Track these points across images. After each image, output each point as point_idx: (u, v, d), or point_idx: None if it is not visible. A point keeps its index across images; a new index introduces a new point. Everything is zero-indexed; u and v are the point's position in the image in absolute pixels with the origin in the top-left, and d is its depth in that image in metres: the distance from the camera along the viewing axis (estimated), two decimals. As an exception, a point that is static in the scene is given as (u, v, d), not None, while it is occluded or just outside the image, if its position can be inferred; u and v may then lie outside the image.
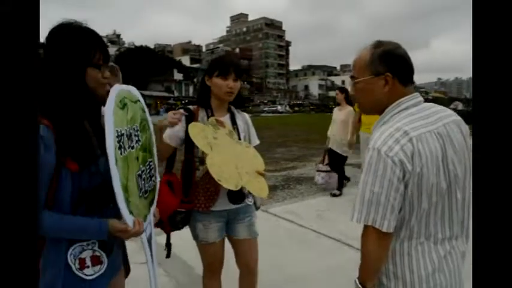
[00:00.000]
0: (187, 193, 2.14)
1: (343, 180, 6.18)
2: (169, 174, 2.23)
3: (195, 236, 2.24)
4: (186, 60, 73.98)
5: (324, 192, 6.25)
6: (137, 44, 69.21)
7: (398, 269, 1.34)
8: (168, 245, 2.28)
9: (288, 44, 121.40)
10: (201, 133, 2.05)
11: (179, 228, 2.19)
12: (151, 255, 1.63)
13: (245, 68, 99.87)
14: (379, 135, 1.29)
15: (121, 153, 1.38)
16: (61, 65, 1.32)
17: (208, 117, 2.16)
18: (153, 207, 1.69)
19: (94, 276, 1.40)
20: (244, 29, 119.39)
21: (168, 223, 2.12)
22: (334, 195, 5.96)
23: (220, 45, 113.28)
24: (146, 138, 1.64)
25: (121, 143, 1.38)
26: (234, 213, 2.24)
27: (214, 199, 2.13)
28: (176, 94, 60.69)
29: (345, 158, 6.08)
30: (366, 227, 1.30)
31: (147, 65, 58.61)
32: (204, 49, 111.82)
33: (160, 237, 3.57)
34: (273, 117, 37.10)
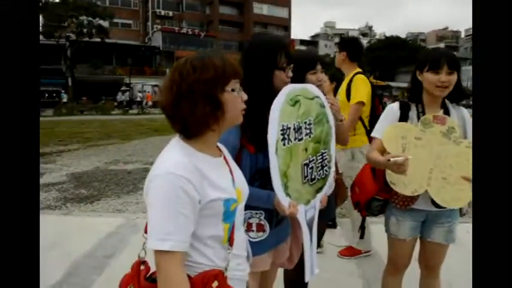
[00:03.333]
0: (388, 183, 2.11)
1: None
2: None
3: (387, 228, 2.27)
4: (440, 49, 68.04)
5: None
6: (388, 34, 68.46)
7: None
8: (362, 228, 2.41)
9: None
10: (398, 134, 2.06)
11: (375, 215, 2.30)
12: (311, 238, 1.82)
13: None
14: None
15: (284, 144, 1.63)
16: (254, 68, 1.74)
17: (418, 113, 2.12)
18: (321, 194, 1.88)
19: (256, 240, 1.74)
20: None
21: (365, 207, 2.26)
22: None
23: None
24: (322, 131, 1.83)
25: (285, 135, 1.64)
26: (434, 215, 2.16)
27: (414, 199, 2.09)
28: (408, 86, 56.95)
29: None
30: None
31: (396, 55, 57.36)
32: (463, 35, 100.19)
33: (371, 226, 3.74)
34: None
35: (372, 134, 2.23)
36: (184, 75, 1.17)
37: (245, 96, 1.31)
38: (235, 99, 1.26)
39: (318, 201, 1.87)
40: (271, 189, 1.65)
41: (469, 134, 2.14)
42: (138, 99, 33.60)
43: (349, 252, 3.59)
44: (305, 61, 2.19)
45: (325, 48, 75.31)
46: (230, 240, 1.30)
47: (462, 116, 2.18)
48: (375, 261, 3.47)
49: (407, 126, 2.08)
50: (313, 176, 1.81)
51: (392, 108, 2.20)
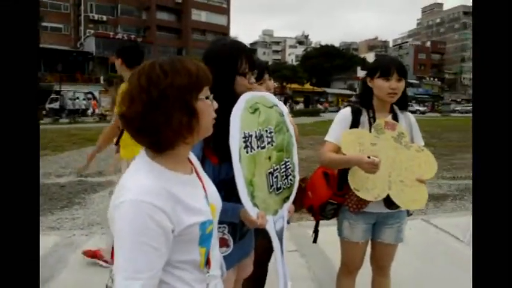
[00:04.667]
0: (342, 187, 2.18)
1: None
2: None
3: (340, 232, 2.30)
4: (370, 57, 72.19)
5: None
6: (323, 43, 71.26)
7: None
8: (316, 231, 2.41)
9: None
10: (355, 140, 2.09)
11: (328, 218, 2.31)
12: (281, 247, 1.77)
13: (436, 63, 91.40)
14: None
15: (247, 152, 1.57)
16: (215, 73, 1.63)
17: (369, 118, 2.18)
18: (287, 204, 1.82)
19: None
20: (438, 20, 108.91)
21: (318, 212, 2.26)
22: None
23: (409, 39, 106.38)
24: (283, 140, 1.80)
25: (247, 143, 1.58)
26: (384, 217, 2.23)
27: (367, 202, 2.14)
28: (358, 92, 60.06)
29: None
30: None
31: (331, 63, 59.78)
32: (391, 44, 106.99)
33: (308, 229, 3.79)
34: (465, 118, 32.99)
35: (326, 139, 2.25)
36: (154, 80, 1.02)
37: (216, 105, 1.19)
38: (208, 107, 1.14)
39: (286, 211, 1.82)
40: (236, 201, 1.59)
41: (415, 139, 2.26)
42: (70, 107, 31.75)
43: (91, 254, 3.52)
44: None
45: (264, 56, 76.90)
46: (208, 263, 1.20)
47: (409, 121, 2.28)
48: (325, 264, 3.53)
49: (362, 133, 2.13)
50: (278, 185, 1.76)
51: (345, 114, 2.23)
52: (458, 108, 57.62)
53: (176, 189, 1.07)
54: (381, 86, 2.09)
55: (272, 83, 2.33)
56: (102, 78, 41.59)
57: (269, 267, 2.50)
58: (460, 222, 4.74)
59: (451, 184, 7.29)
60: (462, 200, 6.14)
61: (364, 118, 2.19)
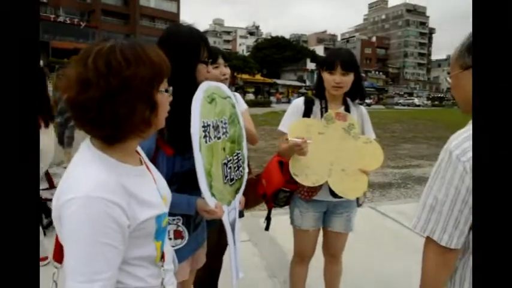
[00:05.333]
0: None
1: None
2: None
3: (292, 220, 2.35)
4: (320, 50, 73.71)
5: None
6: (274, 34, 71.64)
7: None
8: (268, 219, 2.42)
9: (432, 31, 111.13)
10: (303, 129, 2.13)
11: (280, 206, 2.33)
12: (234, 238, 1.77)
13: (381, 58, 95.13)
14: (457, 136, 1.15)
15: (206, 142, 1.53)
16: (174, 61, 1.54)
17: (321, 109, 2.22)
18: (239, 195, 1.82)
19: (174, 248, 1.57)
20: (383, 17, 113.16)
21: (271, 199, 2.27)
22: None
23: (356, 34, 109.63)
24: (235, 131, 1.78)
25: (206, 133, 1.55)
26: (334, 206, 2.29)
27: (317, 189, 2.18)
28: (308, 83, 61.21)
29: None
30: (427, 238, 1.18)
31: (281, 54, 60.32)
32: (339, 38, 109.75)
33: (260, 218, 3.79)
34: (408, 110, 34.71)
35: (279, 129, 2.29)
36: (115, 67, 0.91)
37: (171, 98, 1.12)
38: (166, 101, 1.07)
39: (238, 202, 1.82)
40: (189, 193, 1.55)
41: (366, 131, 2.33)
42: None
43: None
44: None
45: (214, 45, 75.85)
46: (162, 256, 1.14)
47: (361, 114, 2.35)
48: (278, 252, 3.57)
49: (311, 122, 2.18)
50: (231, 176, 1.75)
51: (298, 104, 2.28)
52: (401, 101, 60.63)
53: (129, 182, 0.99)
54: (327, 79, 2.16)
55: (228, 70, 2.28)
56: (42, 63, 39.21)
57: (225, 259, 2.48)
58: (404, 209, 4.98)
59: (395, 173, 7.64)
60: (406, 188, 6.46)
61: (316, 108, 2.24)
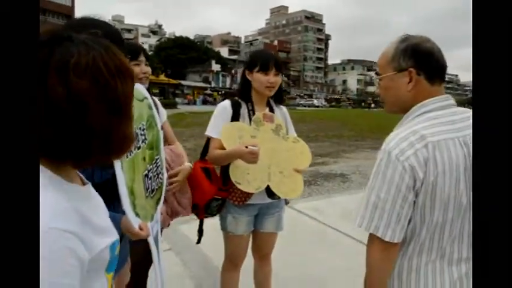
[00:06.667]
0: (226, 182, 2.15)
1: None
2: (203, 161, 2.25)
3: (224, 227, 2.27)
4: (224, 52, 74.52)
5: (350, 191, 6.12)
6: (177, 34, 70.48)
7: (403, 286, 1.24)
8: (200, 231, 2.33)
9: (328, 37, 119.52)
10: (235, 133, 2.08)
11: (213, 215, 2.25)
12: (158, 254, 1.62)
13: (283, 60, 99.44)
14: (394, 136, 1.20)
15: (127, 157, 1.38)
16: None
17: (248, 111, 2.18)
18: (160, 205, 1.69)
19: None
20: (284, 22, 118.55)
21: (203, 210, 2.17)
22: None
23: (259, 37, 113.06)
24: (153, 136, 1.64)
25: None
26: (266, 207, 2.27)
27: (250, 194, 2.14)
28: (213, 85, 61.38)
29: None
30: (370, 235, 1.22)
31: (186, 55, 59.56)
32: (243, 41, 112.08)
33: (184, 226, 3.66)
34: (309, 111, 36.86)
35: (207, 133, 2.20)
36: (102, 84, 0.74)
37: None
38: None
39: (159, 214, 1.68)
40: (111, 204, 1.35)
41: (289, 131, 2.36)
42: None
43: None
44: (127, 50, 1.92)
45: (134, 41, 72.18)
46: None
47: (283, 114, 2.38)
48: (201, 260, 3.45)
49: (242, 126, 2.14)
50: (152, 187, 1.61)
51: (225, 107, 2.21)
52: (302, 102, 63.99)
53: (82, 206, 0.82)
54: (260, 80, 2.13)
55: (149, 69, 2.12)
56: None
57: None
58: (317, 205, 5.20)
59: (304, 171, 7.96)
60: (316, 185, 6.76)
61: (243, 111, 2.20)
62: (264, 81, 2.13)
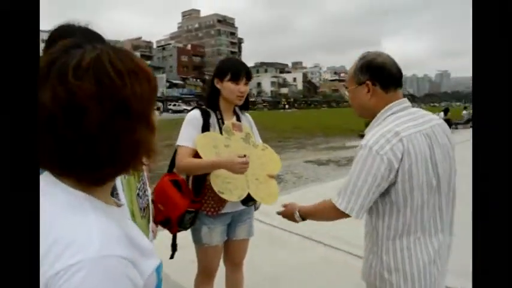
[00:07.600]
0: (199, 193, 2.12)
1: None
2: (172, 173, 2.20)
3: (198, 239, 2.23)
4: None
5: (288, 190, 6.36)
6: (84, 39, 66.15)
7: (399, 263, 1.46)
8: (174, 246, 2.26)
9: (241, 41, 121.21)
10: (210, 143, 2.06)
11: (186, 229, 2.19)
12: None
13: (197, 65, 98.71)
14: (372, 135, 1.44)
15: (124, 177, 1.36)
16: None
17: (218, 120, 2.18)
18: (151, 224, 1.66)
19: None
20: (196, 25, 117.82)
21: (176, 223, 2.11)
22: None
23: (172, 41, 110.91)
24: None
25: None
26: (238, 215, 2.27)
27: (224, 203, 2.13)
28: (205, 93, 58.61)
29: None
30: (334, 207, 1.51)
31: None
32: (155, 45, 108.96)
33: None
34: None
35: (179, 143, 2.15)
36: (108, 86, 0.68)
37: (159, 117, 0.87)
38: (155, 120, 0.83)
39: (152, 233, 1.66)
40: None
41: (256, 137, 2.40)
42: None
43: None
44: None
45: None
46: None
47: (249, 121, 2.42)
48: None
49: (215, 135, 2.14)
50: (143, 206, 1.57)
51: (196, 116, 2.18)
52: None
53: (127, 229, 0.76)
54: (231, 89, 2.14)
55: None
56: None
57: None
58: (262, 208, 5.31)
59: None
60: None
61: (213, 120, 2.19)
62: (235, 90, 2.13)
